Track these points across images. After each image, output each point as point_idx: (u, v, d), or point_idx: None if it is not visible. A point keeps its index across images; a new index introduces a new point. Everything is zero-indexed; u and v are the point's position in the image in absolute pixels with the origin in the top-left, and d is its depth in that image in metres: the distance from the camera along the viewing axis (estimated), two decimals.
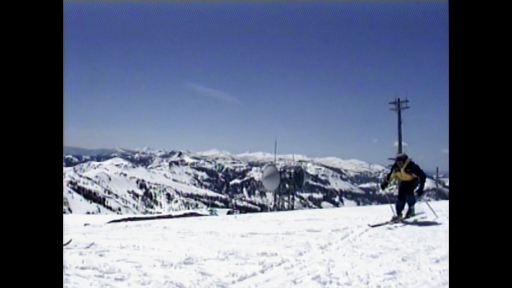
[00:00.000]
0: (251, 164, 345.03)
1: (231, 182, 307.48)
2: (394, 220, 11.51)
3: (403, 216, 11.73)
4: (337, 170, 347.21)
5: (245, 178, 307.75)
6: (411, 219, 11.67)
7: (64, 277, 5.16)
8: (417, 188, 11.61)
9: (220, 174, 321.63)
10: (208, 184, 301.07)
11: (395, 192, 13.50)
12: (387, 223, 11.27)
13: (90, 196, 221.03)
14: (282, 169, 42.51)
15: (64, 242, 8.02)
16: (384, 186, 12.71)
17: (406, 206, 11.87)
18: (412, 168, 11.61)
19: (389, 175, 12.35)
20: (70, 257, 6.50)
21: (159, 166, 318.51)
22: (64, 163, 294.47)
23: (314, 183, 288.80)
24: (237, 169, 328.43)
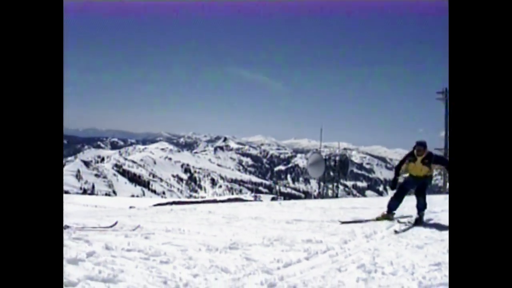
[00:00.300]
0: (296, 151, 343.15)
1: (276, 169, 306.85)
2: (383, 217, 9.72)
3: (406, 222, 9.42)
4: (382, 159, 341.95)
5: (290, 165, 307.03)
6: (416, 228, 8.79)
7: (110, 258, 5.25)
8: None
9: (264, 160, 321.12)
10: (252, 170, 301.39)
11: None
12: (367, 221, 9.58)
13: (134, 179, 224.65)
14: (327, 157, 42.36)
15: (110, 224, 8.20)
16: (394, 184, 9.97)
17: (400, 205, 9.89)
18: (431, 159, 9.20)
19: (398, 168, 9.81)
20: (116, 239, 6.62)
21: (204, 151, 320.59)
22: (109, 146, 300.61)
23: (359, 172, 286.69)
24: (282, 156, 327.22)
